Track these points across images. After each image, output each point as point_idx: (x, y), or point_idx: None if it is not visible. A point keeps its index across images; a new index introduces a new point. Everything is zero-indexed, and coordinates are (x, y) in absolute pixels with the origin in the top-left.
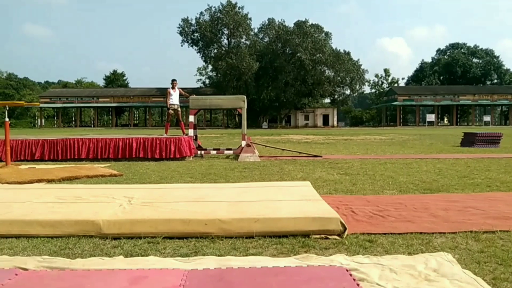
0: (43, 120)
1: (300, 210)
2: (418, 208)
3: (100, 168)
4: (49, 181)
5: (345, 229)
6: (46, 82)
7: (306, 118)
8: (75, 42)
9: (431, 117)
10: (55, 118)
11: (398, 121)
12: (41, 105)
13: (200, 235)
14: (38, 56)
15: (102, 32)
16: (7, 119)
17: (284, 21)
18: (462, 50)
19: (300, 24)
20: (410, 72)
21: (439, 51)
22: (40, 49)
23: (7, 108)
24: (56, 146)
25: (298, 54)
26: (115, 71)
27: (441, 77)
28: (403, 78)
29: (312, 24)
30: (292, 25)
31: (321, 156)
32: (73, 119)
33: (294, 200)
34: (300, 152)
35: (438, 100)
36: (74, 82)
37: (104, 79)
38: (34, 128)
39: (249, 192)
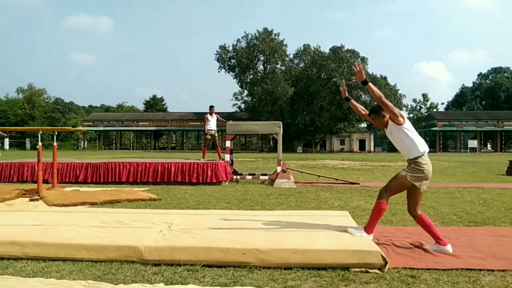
0: (85, 143)
1: (339, 242)
2: (463, 242)
3: (139, 192)
4: (92, 204)
5: (386, 262)
6: (90, 106)
7: (342, 142)
8: (117, 68)
9: (473, 143)
10: (97, 141)
11: (437, 147)
12: (84, 128)
13: (238, 264)
14: (83, 82)
15: (143, 59)
16: (55, 144)
17: (319, 47)
18: (506, 74)
19: (335, 50)
20: (449, 97)
21: (480, 75)
22: (85, 75)
23: (56, 133)
24: (99, 169)
25: (334, 79)
26: (154, 96)
27: (483, 102)
28: (442, 103)
29: (347, 49)
30: (327, 51)
31: (358, 184)
32: (114, 141)
33: (332, 231)
34: (336, 179)
35: (480, 126)
36: (115, 106)
37: (144, 104)
38: (78, 150)
39: (286, 220)
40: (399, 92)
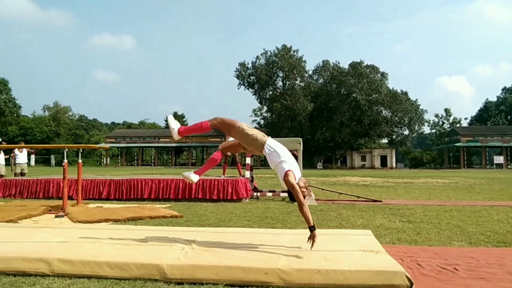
0: (108, 159)
1: (363, 262)
2: (492, 264)
3: (161, 209)
4: (116, 221)
5: (411, 284)
6: (112, 123)
7: (363, 158)
8: (139, 85)
9: (499, 159)
10: (119, 157)
11: (462, 163)
12: (107, 144)
13: (261, 284)
14: (106, 99)
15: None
16: (80, 161)
17: (338, 63)
18: None
19: (355, 65)
20: (473, 111)
21: (505, 89)
22: (108, 92)
23: (81, 150)
24: (122, 186)
25: (354, 95)
26: (175, 113)
27: (509, 116)
28: (465, 118)
29: (367, 64)
30: (347, 66)
31: (381, 201)
32: (136, 158)
33: (355, 251)
34: (358, 196)
35: (506, 141)
36: (137, 123)
37: (165, 120)
38: (100, 167)
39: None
40: (421, 107)
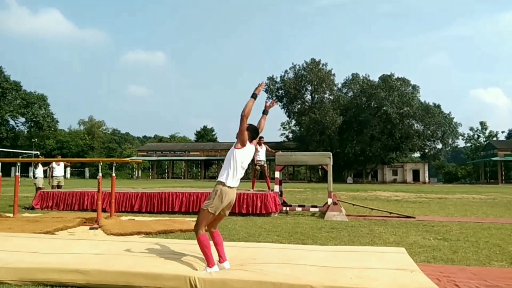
0: (139, 172)
1: (396, 282)
2: None
3: (191, 222)
4: (147, 233)
5: None
6: (144, 136)
7: (395, 173)
8: (170, 100)
9: None
10: (150, 170)
11: (499, 178)
12: (139, 158)
13: None
14: (138, 113)
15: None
16: (113, 174)
17: (368, 76)
18: None
19: (385, 78)
20: (510, 124)
21: None
22: (140, 107)
23: (114, 164)
24: (153, 199)
25: (384, 108)
26: (205, 127)
27: None
28: (503, 131)
29: (398, 77)
30: (377, 79)
31: (414, 217)
32: (166, 171)
33: (389, 269)
34: (390, 212)
35: None
36: (168, 136)
37: (195, 134)
38: (132, 179)
39: (340, 256)
40: (454, 120)
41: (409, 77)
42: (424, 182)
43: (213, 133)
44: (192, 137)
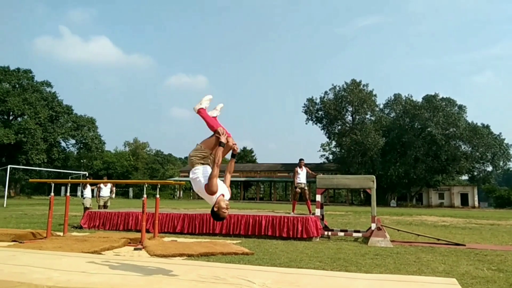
0: (181, 192)
1: None
2: None
3: (232, 245)
4: (189, 256)
5: None
6: (186, 157)
7: (441, 196)
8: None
9: None
10: (191, 191)
11: None
12: (180, 178)
13: None
14: (181, 134)
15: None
16: (157, 196)
17: (411, 96)
18: None
19: (429, 98)
20: None
21: None
22: (183, 129)
23: (158, 185)
24: (195, 221)
25: (429, 129)
26: (245, 148)
27: None
28: None
29: (442, 97)
30: (420, 100)
31: (464, 245)
32: None
33: None
34: (438, 239)
35: None
36: None
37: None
38: (174, 200)
39: (387, 286)
40: (505, 141)
41: (455, 97)
42: (474, 207)
43: (253, 154)
44: None
